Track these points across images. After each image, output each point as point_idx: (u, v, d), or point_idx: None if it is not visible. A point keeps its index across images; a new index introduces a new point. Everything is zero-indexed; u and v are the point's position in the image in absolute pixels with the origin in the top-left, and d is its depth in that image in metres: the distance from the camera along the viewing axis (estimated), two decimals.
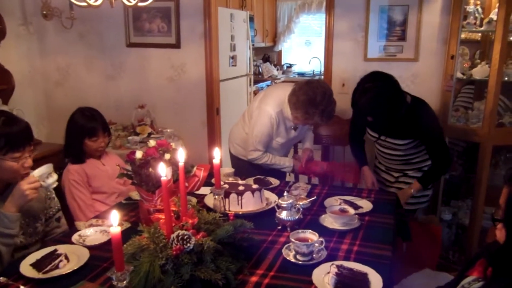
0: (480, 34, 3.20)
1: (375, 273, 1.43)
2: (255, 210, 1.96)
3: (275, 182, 2.42)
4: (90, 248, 1.64)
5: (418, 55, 3.09)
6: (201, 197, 2.10)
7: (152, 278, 1.27)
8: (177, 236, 1.32)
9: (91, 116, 2.30)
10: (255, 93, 4.96)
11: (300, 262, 1.53)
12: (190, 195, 2.01)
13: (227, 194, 1.94)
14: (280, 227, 1.82)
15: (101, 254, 1.60)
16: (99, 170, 2.35)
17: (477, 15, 2.87)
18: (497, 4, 2.64)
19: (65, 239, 1.75)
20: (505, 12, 2.53)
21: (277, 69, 6.76)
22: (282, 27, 6.94)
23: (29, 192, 1.63)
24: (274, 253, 1.62)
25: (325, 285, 1.38)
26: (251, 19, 5.18)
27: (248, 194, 1.96)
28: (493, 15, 2.75)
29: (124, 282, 1.14)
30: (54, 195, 1.97)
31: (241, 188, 2.00)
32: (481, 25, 2.88)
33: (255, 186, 2.04)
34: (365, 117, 2.37)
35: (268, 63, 6.74)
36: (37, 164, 1.74)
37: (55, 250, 1.59)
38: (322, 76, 3.54)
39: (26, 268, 1.49)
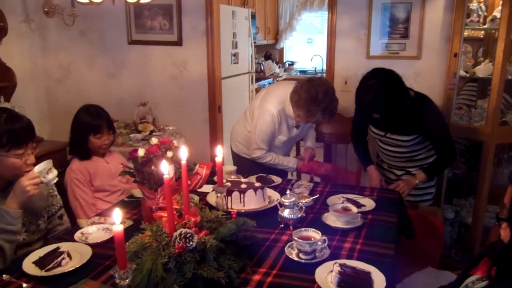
0: (483, 32, 3.19)
1: (378, 272, 1.43)
2: (258, 208, 1.96)
3: (277, 180, 2.41)
4: (93, 246, 1.63)
5: (421, 53, 3.08)
6: (203, 195, 2.09)
7: (155, 276, 1.26)
8: (180, 234, 1.31)
9: (96, 113, 2.31)
10: (257, 90, 4.95)
11: (302, 261, 1.53)
12: (192, 193, 2.01)
13: (229, 192, 1.93)
14: (282, 225, 1.81)
15: (104, 252, 1.60)
16: (103, 168, 2.35)
17: (480, 12, 2.86)
18: (501, 2, 2.63)
19: (68, 236, 1.75)
20: (509, 9, 2.51)
21: (279, 67, 6.75)
22: (284, 24, 6.92)
23: (29, 188, 1.63)
24: (277, 252, 1.61)
25: (328, 284, 1.38)
26: (253, 16, 5.17)
27: (250, 192, 1.96)
28: (497, 13, 2.74)
29: (127, 280, 1.14)
30: (56, 193, 1.97)
31: (243, 186, 1.99)
32: (484, 23, 2.87)
33: (257, 184, 2.04)
34: (370, 115, 2.37)
35: (270, 60, 6.73)
36: (39, 161, 1.74)
37: (58, 248, 1.59)
38: (324, 74, 3.53)
39: (28, 265, 1.49)
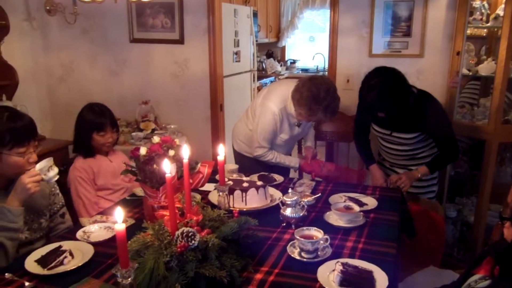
0: (486, 30, 3.17)
1: (381, 271, 1.42)
2: (260, 207, 1.95)
3: (279, 178, 2.41)
4: (95, 244, 1.63)
5: (424, 51, 3.07)
6: (205, 194, 2.09)
7: (157, 275, 1.26)
8: (182, 233, 1.31)
9: (100, 111, 2.33)
10: (259, 89, 4.94)
11: (305, 260, 1.53)
12: (194, 191, 2.01)
13: (231, 191, 1.93)
14: (284, 224, 1.81)
15: (106, 250, 1.60)
16: (106, 166, 2.36)
17: (483, 10, 2.85)
18: (504, 0, 2.61)
19: (70, 235, 1.75)
20: None
21: (281, 65, 6.74)
22: (285, 22, 6.91)
23: (30, 185, 1.63)
24: (279, 251, 1.61)
25: (330, 283, 1.38)
26: (255, 14, 5.16)
27: (252, 191, 1.95)
28: (500, 11, 2.72)
29: (129, 279, 1.13)
30: (58, 191, 1.97)
31: (245, 184, 1.99)
32: (487, 21, 2.86)
33: (259, 183, 2.03)
34: (375, 115, 2.36)
35: (271, 59, 6.72)
36: (41, 160, 1.74)
37: (60, 247, 1.59)
38: (326, 72, 3.53)
39: (31, 264, 1.49)
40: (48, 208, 1.89)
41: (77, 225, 1.87)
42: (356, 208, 1.88)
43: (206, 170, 1.78)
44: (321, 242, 1.56)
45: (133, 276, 1.15)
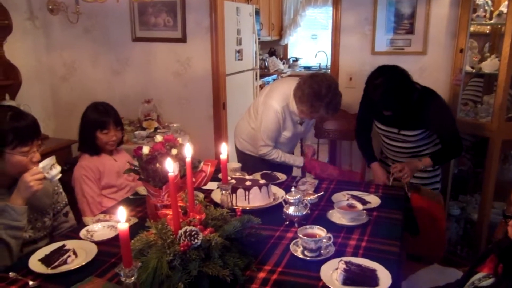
0: (489, 27, 3.16)
1: (384, 269, 1.42)
2: (263, 205, 1.95)
3: (282, 177, 2.41)
4: (98, 243, 1.64)
5: (427, 49, 3.05)
6: (208, 193, 2.09)
7: (160, 274, 1.26)
8: (185, 232, 1.31)
9: (105, 110, 2.35)
10: (261, 87, 4.94)
11: (308, 258, 1.53)
12: (197, 190, 2.01)
13: (234, 190, 1.93)
14: (287, 223, 1.81)
15: (109, 249, 1.61)
16: (111, 166, 2.37)
17: (486, 7, 2.83)
18: None
19: (73, 234, 1.76)
20: None
21: (283, 63, 6.72)
22: (288, 20, 6.89)
23: (33, 183, 1.64)
24: (282, 249, 1.61)
25: (333, 281, 1.37)
26: (257, 12, 5.15)
27: (255, 189, 1.95)
28: (503, 8, 2.71)
29: (132, 278, 1.14)
30: (61, 190, 1.98)
31: (248, 183, 1.99)
32: (490, 18, 2.84)
33: (262, 181, 2.03)
34: (380, 114, 2.36)
35: (274, 57, 6.70)
36: (44, 159, 1.74)
37: (64, 246, 1.59)
38: (329, 70, 3.52)
39: (35, 263, 1.50)
40: (51, 207, 1.89)
41: (81, 224, 1.88)
42: (359, 206, 1.88)
43: (209, 169, 1.78)
44: (324, 240, 1.56)
45: (136, 275, 1.16)
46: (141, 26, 3.62)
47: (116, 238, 1.64)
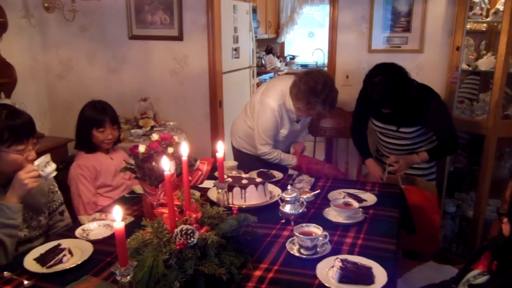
0: (485, 25, 3.16)
1: (380, 267, 1.43)
2: (259, 203, 1.95)
3: (278, 175, 2.41)
4: (94, 242, 1.64)
5: (423, 46, 3.06)
6: (204, 191, 2.09)
7: (156, 273, 1.26)
8: (181, 230, 1.31)
9: (101, 108, 2.35)
10: (258, 85, 4.94)
11: (304, 256, 1.53)
12: (193, 188, 2.01)
13: (230, 188, 1.93)
14: (283, 221, 1.81)
15: (105, 248, 1.60)
16: (107, 164, 2.37)
17: (483, 5, 2.83)
18: None
19: (69, 233, 1.75)
20: None
21: (280, 61, 6.72)
22: (285, 18, 6.89)
23: (28, 181, 1.64)
24: (278, 247, 1.61)
25: (329, 279, 1.38)
26: (254, 10, 5.14)
27: (251, 187, 1.95)
28: (500, 6, 2.71)
29: (128, 277, 1.13)
30: (57, 189, 1.97)
31: (244, 181, 1.99)
32: (487, 16, 2.84)
33: (258, 180, 2.03)
34: (379, 112, 2.37)
35: (271, 55, 6.70)
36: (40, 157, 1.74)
37: (59, 245, 1.59)
38: (326, 68, 3.52)
39: (30, 262, 1.49)
40: (47, 206, 1.89)
41: (76, 223, 1.87)
42: (355, 204, 1.88)
43: (205, 167, 1.78)
44: (320, 238, 1.56)
45: (132, 274, 1.15)
46: (137, 24, 3.61)
47: (112, 237, 1.63)
